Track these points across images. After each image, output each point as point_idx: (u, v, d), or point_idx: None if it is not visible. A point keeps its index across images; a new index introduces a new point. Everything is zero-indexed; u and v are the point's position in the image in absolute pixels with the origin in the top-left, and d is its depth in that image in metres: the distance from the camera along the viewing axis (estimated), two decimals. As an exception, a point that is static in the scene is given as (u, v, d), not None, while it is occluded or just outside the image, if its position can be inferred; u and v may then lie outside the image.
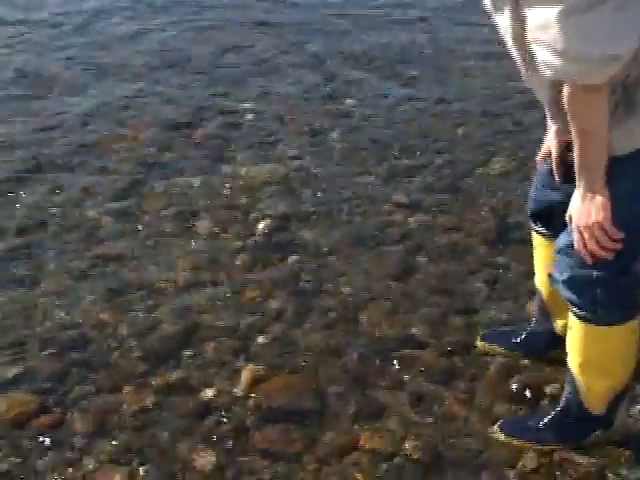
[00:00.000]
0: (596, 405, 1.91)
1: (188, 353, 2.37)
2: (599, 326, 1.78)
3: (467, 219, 2.92)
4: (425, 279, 2.65)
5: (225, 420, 2.13)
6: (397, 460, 2.01)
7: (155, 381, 2.26)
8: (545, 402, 2.14)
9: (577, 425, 1.95)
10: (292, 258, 2.78)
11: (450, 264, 2.69)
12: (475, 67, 4.14)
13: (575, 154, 1.56)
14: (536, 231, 2.04)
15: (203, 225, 2.95)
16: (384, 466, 1.99)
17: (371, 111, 3.72)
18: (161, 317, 2.50)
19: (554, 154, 1.81)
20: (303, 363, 2.32)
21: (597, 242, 1.60)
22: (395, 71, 4.09)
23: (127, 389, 2.24)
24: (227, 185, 3.19)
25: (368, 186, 3.18)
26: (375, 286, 2.62)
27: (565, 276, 1.74)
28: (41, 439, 2.08)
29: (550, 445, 1.98)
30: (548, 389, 2.18)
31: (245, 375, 2.27)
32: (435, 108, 3.73)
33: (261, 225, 2.93)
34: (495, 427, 2.05)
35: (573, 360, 1.87)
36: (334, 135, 3.52)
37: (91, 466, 2.01)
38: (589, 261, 1.64)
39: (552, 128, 1.78)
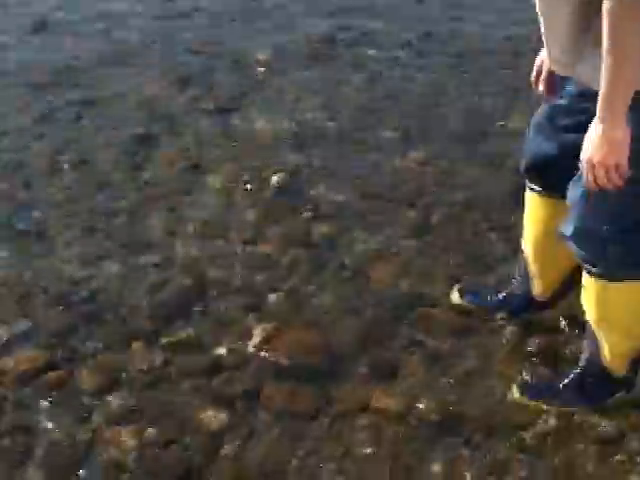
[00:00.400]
0: (616, 365, 1.88)
1: (198, 309, 2.35)
2: (612, 282, 1.74)
3: (484, 176, 2.88)
4: (441, 236, 2.61)
5: (236, 379, 2.10)
6: (411, 421, 1.98)
7: (164, 338, 2.24)
8: (565, 363, 2.09)
9: (597, 386, 1.92)
10: (305, 213, 2.75)
11: (466, 221, 2.66)
12: (497, 19, 4.04)
13: (602, 81, 1.46)
14: (530, 188, 1.98)
15: (214, 179, 2.91)
16: (397, 427, 1.95)
17: (387, 64, 3.66)
18: (171, 273, 2.48)
19: (545, 71, 1.76)
20: (316, 320, 2.29)
21: (609, 178, 1.53)
22: (412, 25, 3.98)
23: (136, 346, 2.21)
24: (238, 139, 3.14)
25: (383, 141, 3.13)
26: (390, 242, 2.59)
27: (575, 230, 1.70)
28: (49, 396, 2.05)
29: (569, 406, 1.95)
30: (567, 350, 2.13)
31: (257, 332, 2.24)
32: (452, 61, 3.66)
33: (273, 179, 2.89)
34: (513, 388, 2.02)
35: (590, 318, 1.84)
36: (349, 89, 3.46)
37: (98, 424, 1.98)
38: (596, 192, 1.58)
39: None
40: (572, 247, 1.74)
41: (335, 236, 2.63)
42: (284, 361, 2.15)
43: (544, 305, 2.14)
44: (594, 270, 1.74)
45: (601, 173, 1.53)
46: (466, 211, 2.71)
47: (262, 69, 3.60)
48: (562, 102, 1.75)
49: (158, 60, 3.66)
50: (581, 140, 1.58)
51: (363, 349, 2.19)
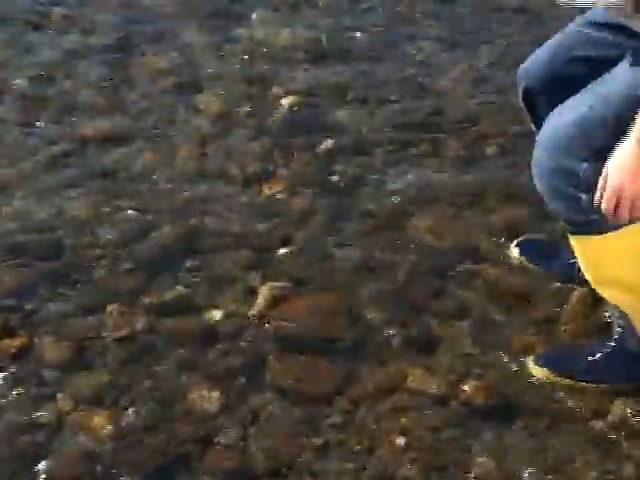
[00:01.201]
0: None
1: (189, 265, 2.32)
2: (593, 236, 1.82)
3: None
4: (495, 175, 2.58)
5: (234, 350, 2.08)
6: (453, 405, 1.95)
7: (147, 300, 2.21)
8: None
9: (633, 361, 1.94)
10: (323, 146, 2.72)
11: (521, 156, 2.47)
12: None
13: None
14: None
15: (210, 101, 2.91)
16: (436, 412, 1.93)
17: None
18: (156, 219, 2.46)
19: None
20: (335, 281, 2.26)
21: (632, 210, 1.63)
22: None
23: (112, 309, 2.18)
24: (241, 52, 3.13)
25: (422, 54, 3.12)
26: (429, 183, 2.56)
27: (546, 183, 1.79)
28: (3, 369, 2.03)
29: (606, 384, 1.96)
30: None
31: (262, 294, 2.22)
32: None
33: (284, 102, 2.88)
34: (531, 361, 2.02)
35: (590, 280, 1.91)
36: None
37: (66, 406, 1.95)
38: (610, 219, 1.68)
39: None
40: (545, 199, 1.84)
41: (360, 175, 2.62)
42: (294, 330, 2.13)
43: None
44: (571, 227, 1.85)
45: (628, 204, 1.62)
46: (521, 145, 2.64)
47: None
48: (590, 31, 1.85)
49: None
50: (592, 78, 1.70)
51: (394, 317, 2.16)
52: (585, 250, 1.88)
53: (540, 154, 1.80)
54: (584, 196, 1.74)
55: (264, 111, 2.86)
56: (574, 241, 1.89)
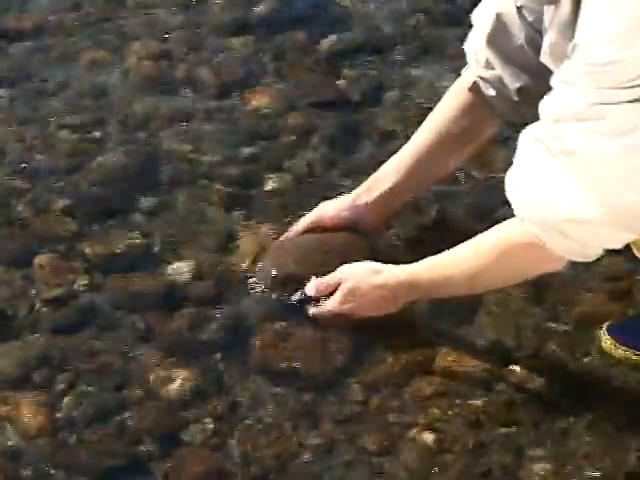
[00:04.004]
0: None
1: (146, 203, 2.35)
2: None
3: None
4: None
5: (209, 315, 2.09)
6: (499, 391, 1.95)
7: (89, 249, 2.23)
8: None
9: None
10: (325, 42, 2.79)
11: None
12: None
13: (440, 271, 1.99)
14: None
15: None
16: (476, 400, 1.93)
17: None
18: (101, 141, 2.51)
19: None
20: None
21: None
22: None
23: (41, 261, 2.20)
24: None
25: None
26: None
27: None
28: None
29: None
30: None
31: (244, 241, 2.25)
32: None
33: None
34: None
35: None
36: None
37: None
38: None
39: None
40: None
41: (375, 83, 2.68)
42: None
43: None
44: None
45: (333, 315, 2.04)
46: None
47: None
48: None
49: None
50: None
51: None
52: None
53: None
54: None
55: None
56: None
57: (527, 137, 1.78)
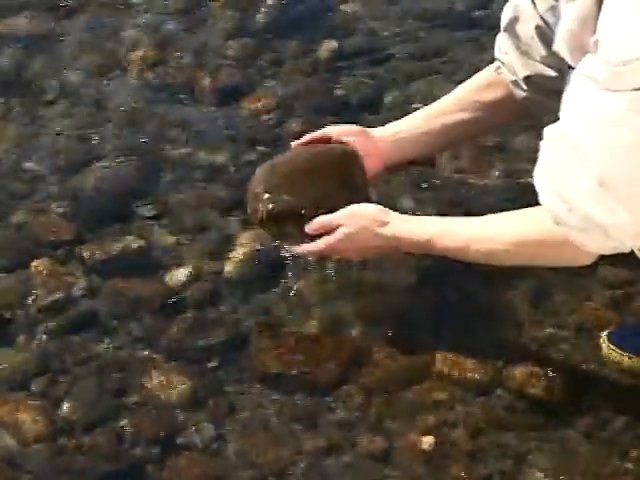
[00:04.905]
0: None
1: (144, 207, 2.34)
2: None
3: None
4: None
5: (206, 322, 2.10)
6: (498, 396, 1.95)
7: (87, 254, 2.23)
8: None
9: None
10: (324, 48, 2.78)
11: None
12: None
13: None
14: None
15: None
16: (475, 405, 1.93)
17: None
18: (98, 143, 2.50)
19: None
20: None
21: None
22: None
23: (39, 266, 2.20)
24: None
25: None
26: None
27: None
28: None
29: None
30: None
31: (242, 246, 2.24)
32: None
33: None
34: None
35: None
36: None
37: None
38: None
39: None
40: None
41: (374, 89, 2.65)
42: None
43: None
44: None
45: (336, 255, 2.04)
46: None
47: None
48: None
49: None
50: None
51: (419, 276, 2.16)
52: None
53: None
54: None
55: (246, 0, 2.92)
56: None
57: (557, 141, 1.74)
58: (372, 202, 1.97)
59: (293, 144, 2.12)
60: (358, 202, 1.95)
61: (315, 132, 2.11)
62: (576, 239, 1.71)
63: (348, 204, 1.94)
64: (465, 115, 2.11)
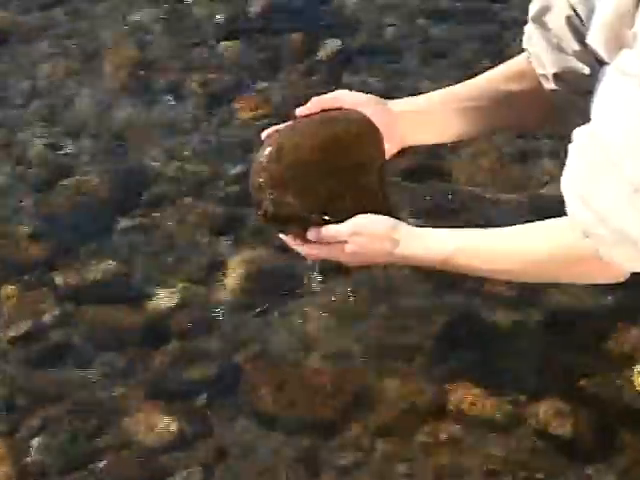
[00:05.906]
0: None
1: (125, 226, 2.35)
2: None
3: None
4: None
5: (195, 354, 2.09)
6: (519, 437, 1.92)
7: (60, 279, 2.24)
8: None
9: None
10: (327, 48, 2.86)
11: None
12: None
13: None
14: None
15: None
16: (493, 446, 1.90)
17: None
18: (74, 156, 2.52)
19: None
20: None
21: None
22: None
23: (8, 293, 2.21)
24: None
25: None
26: None
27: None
28: None
29: None
30: None
31: (233, 269, 2.26)
32: None
33: None
34: None
35: None
36: None
37: None
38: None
39: None
40: None
41: (383, 91, 2.57)
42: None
43: None
44: None
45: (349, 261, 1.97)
46: None
47: None
48: None
49: None
50: None
51: (433, 302, 2.17)
52: None
53: None
54: None
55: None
56: None
57: (587, 143, 1.72)
58: (388, 198, 1.97)
59: (298, 112, 2.04)
60: (371, 204, 1.93)
61: (324, 96, 2.04)
62: (605, 254, 1.69)
63: (359, 207, 1.91)
64: (489, 104, 2.09)
